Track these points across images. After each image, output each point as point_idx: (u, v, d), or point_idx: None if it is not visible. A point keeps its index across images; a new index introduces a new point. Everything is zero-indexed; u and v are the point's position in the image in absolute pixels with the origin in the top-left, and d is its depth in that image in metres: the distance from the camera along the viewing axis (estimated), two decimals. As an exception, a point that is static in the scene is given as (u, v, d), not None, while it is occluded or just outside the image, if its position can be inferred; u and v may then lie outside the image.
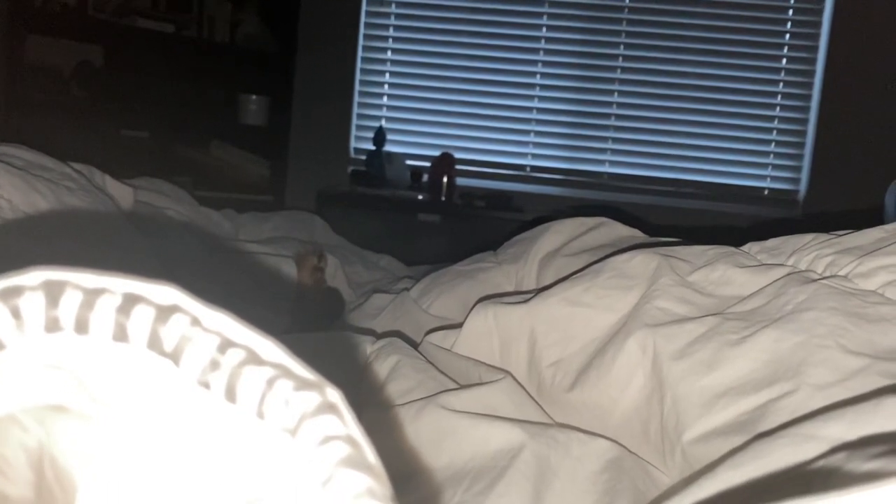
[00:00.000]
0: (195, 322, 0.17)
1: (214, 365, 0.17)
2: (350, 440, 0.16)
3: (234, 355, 0.17)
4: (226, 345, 0.17)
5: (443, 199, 2.30)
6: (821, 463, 0.32)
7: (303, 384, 0.17)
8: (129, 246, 0.86)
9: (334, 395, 0.17)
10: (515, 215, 2.24)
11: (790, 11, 2.43)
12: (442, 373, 0.58)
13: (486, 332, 0.61)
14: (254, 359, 0.17)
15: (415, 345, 0.69)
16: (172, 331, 0.17)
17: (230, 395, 0.17)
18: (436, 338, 0.66)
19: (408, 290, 0.90)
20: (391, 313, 0.85)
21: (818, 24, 2.41)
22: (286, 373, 0.17)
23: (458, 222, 2.23)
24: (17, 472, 0.19)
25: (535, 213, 2.13)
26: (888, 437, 0.32)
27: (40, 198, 0.77)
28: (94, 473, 0.18)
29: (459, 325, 0.65)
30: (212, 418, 0.17)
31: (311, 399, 0.17)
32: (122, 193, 1.01)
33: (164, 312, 0.17)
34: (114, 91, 2.16)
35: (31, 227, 0.71)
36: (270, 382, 0.17)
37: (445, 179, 2.31)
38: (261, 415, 0.17)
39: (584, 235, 0.80)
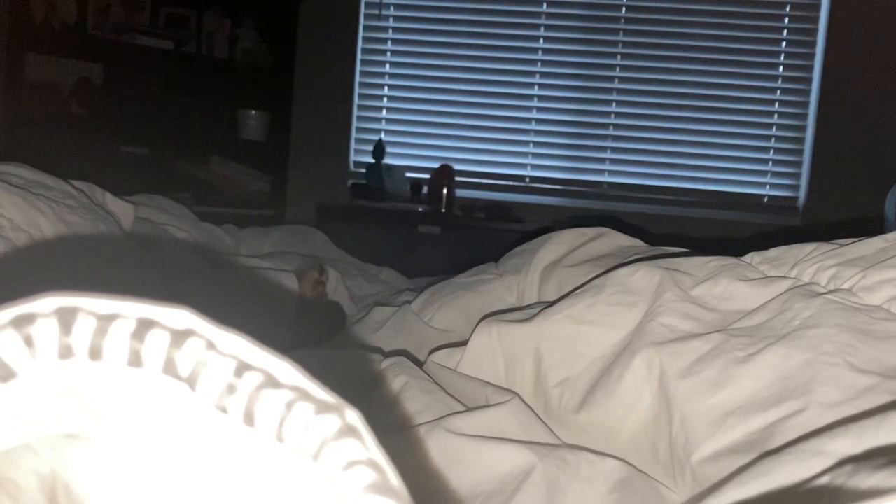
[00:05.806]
0: (210, 346, 0.17)
1: (231, 389, 0.17)
2: (373, 464, 0.16)
3: (252, 379, 0.17)
4: (242, 368, 0.17)
5: (443, 210, 2.30)
6: (827, 478, 0.31)
7: (322, 407, 0.17)
8: (130, 263, 0.85)
9: (354, 417, 0.17)
10: (515, 226, 2.24)
11: (786, 20, 2.45)
12: (449, 394, 0.58)
13: (491, 351, 0.61)
14: (271, 382, 0.17)
15: (418, 360, 0.68)
16: (188, 355, 0.17)
17: (248, 419, 0.17)
18: (440, 356, 0.65)
19: (409, 302, 0.90)
20: (393, 327, 0.85)
21: (814, 32, 2.43)
22: (305, 395, 0.17)
23: (458, 234, 2.23)
24: (29, 498, 0.19)
25: (535, 224, 2.14)
26: (892, 450, 0.32)
27: (41, 216, 0.77)
28: (109, 500, 0.18)
29: (463, 342, 0.65)
30: (230, 443, 0.17)
31: (332, 422, 0.16)
32: (122, 210, 1.01)
33: (179, 337, 0.17)
34: (113, 108, 2.17)
35: (33, 249, 0.71)
36: (289, 406, 0.17)
37: (445, 191, 2.31)
38: (280, 439, 0.17)
39: (585, 246, 0.80)
